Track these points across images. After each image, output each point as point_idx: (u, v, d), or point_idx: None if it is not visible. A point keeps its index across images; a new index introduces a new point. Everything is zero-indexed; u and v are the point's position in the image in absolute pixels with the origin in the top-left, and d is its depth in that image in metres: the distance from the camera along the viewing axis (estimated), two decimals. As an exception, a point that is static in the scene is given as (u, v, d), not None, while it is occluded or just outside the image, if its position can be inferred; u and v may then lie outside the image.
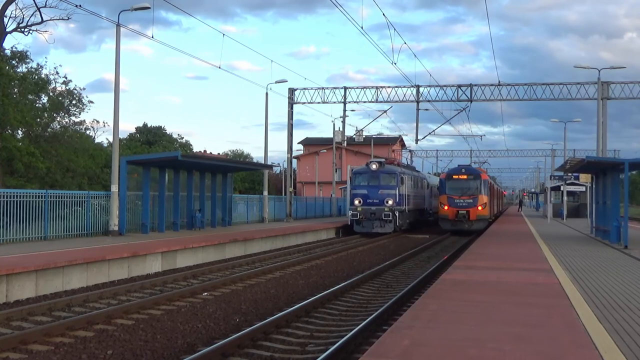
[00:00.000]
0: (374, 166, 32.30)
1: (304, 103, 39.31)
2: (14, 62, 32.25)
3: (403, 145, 79.74)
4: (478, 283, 11.46)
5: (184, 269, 17.26)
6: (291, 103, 39.14)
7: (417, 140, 41.83)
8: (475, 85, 37.44)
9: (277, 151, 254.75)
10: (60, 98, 34.34)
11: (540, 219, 47.11)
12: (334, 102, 39.50)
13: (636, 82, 35.27)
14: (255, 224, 32.81)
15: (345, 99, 39.09)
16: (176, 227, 25.03)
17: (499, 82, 37.09)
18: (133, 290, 13.44)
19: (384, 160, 33.76)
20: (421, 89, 38.15)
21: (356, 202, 31.69)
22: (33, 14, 33.69)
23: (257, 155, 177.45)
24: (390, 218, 31.16)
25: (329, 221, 37.62)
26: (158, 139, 66.08)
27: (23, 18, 33.80)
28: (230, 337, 8.96)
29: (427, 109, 41.28)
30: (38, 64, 38.23)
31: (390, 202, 31.34)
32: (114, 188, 21.88)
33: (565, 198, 44.96)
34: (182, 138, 71.46)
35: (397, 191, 31.92)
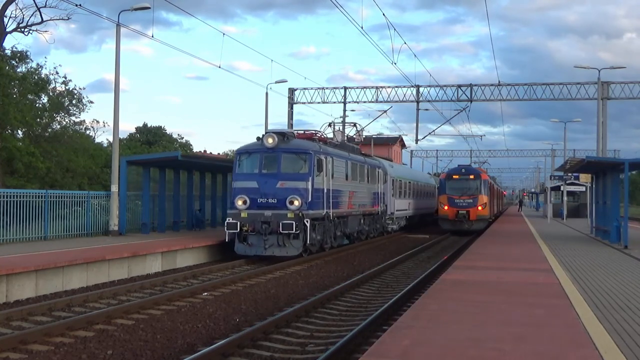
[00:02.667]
0: (270, 140, 19.07)
1: (304, 103, 39.35)
2: (14, 62, 32.24)
3: (403, 145, 79.70)
4: (478, 283, 11.46)
5: (184, 269, 17.25)
6: (291, 103, 39.16)
7: (417, 140, 41.83)
8: (475, 85, 37.45)
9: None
10: (60, 98, 34.33)
11: (540, 219, 47.10)
12: (334, 102, 39.52)
13: (636, 82, 35.28)
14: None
15: (345, 99, 39.11)
16: (176, 227, 25.02)
17: (499, 82, 37.13)
18: (133, 290, 13.44)
19: (289, 132, 21.00)
20: (421, 89, 38.17)
21: (239, 202, 18.73)
22: (33, 14, 33.70)
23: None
24: (296, 231, 18.18)
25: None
26: (158, 139, 66.02)
27: (23, 18, 33.81)
28: (230, 337, 8.97)
29: (427, 109, 41.27)
30: (38, 64, 38.21)
31: (296, 203, 18.46)
32: (114, 188, 21.88)
33: (565, 198, 44.97)
34: (182, 138, 71.37)
35: (309, 183, 19.00)
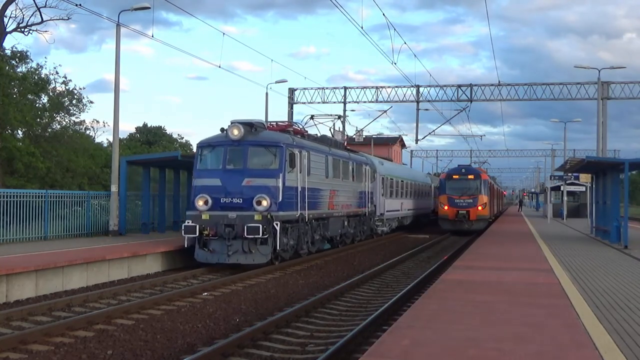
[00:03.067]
0: (235, 132, 16.90)
1: (304, 103, 39.35)
2: (14, 62, 32.23)
3: (403, 145, 79.72)
4: (478, 283, 11.46)
5: (183, 269, 17.25)
6: (291, 103, 39.17)
7: (417, 140, 41.85)
8: (475, 85, 37.47)
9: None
10: (60, 98, 34.32)
11: (540, 219, 47.10)
12: (334, 102, 39.53)
13: (636, 82, 35.30)
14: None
15: (345, 99, 39.12)
16: (176, 227, 25.02)
17: (499, 82, 37.18)
18: (133, 290, 13.44)
19: (258, 122, 18.13)
20: (421, 89, 38.19)
21: (199, 202, 16.60)
22: (33, 14, 33.67)
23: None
24: (263, 235, 15.92)
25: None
26: (158, 139, 66.00)
27: (23, 18, 33.79)
28: (231, 337, 8.97)
29: (427, 109, 41.30)
30: (38, 64, 38.22)
31: (264, 204, 16.25)
32: (114, 188, 21.88)
33: (565, 198, 44.97)
34: (182, 138, 71.37)
35: (280, 181, 16.70)
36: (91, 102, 37.44)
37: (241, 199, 16.50)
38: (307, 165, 18.43)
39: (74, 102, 34.77)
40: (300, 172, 17.77)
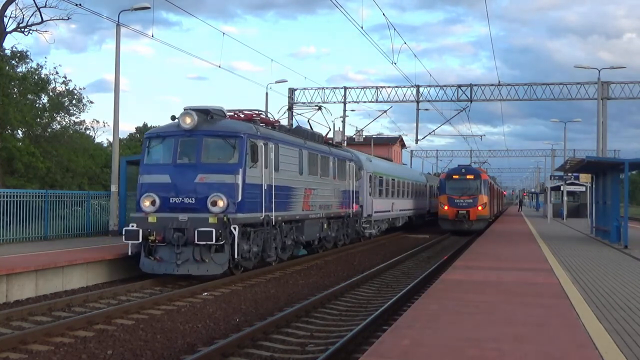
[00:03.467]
0: (188, 120, 14.74)
1: (304, 103, 39.29)
2: (14, 62, 32.25)
3: (403, 145, 79.74)
4: (478, 283, 11.46)
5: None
6: (291, 103, 39.15)
7: (417, 140, 41.81)
8: (475, 85, 37.43)
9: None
10: (60, 98, 34.34)
11: (540, 219, 47.11)
12: (334, 102, 39.50)
13: (636, 82, 35.27)
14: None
15: (345, 99, 39.08)
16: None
17: (499, 82, 37.11)
18: (133, 290, 13.43)
19: (216, 109, 15.72)
20: (421, 89, 38.14)
21: (146, 203, 14.50)
22: (33, 14, 33.61)
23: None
24: (218, 241, 13.79)
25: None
26: (158, 139, 66.03)
27: (23, 18, 33.74)
28: (231, 337, 8.97)
29: (427, 109, 41.26)
30: (38, 64, 38.22)
31: (220, 204, 14.10)
32: (114, 188, 21.88)
33: (565, 198, 45.01)
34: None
35: (239, 177, 14.49)
36: (91, 102, 37.54)
37: (194, 199, 14.31)
38: (275, 159, 16.19)
39: (74, 102, 34.80)
40: (266, 168, 15.56)
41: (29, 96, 32.51)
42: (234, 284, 14.54)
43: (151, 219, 14.26)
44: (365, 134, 52.67)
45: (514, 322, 7.93)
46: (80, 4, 21.28)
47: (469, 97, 37.17)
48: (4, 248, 16.47)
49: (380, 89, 38.94)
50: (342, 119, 40.44)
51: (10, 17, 33.16)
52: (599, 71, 34.40)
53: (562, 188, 43.63)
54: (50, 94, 34.26)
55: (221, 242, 13.81)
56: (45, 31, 37.46)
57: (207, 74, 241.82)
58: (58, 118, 34.57)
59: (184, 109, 15.16)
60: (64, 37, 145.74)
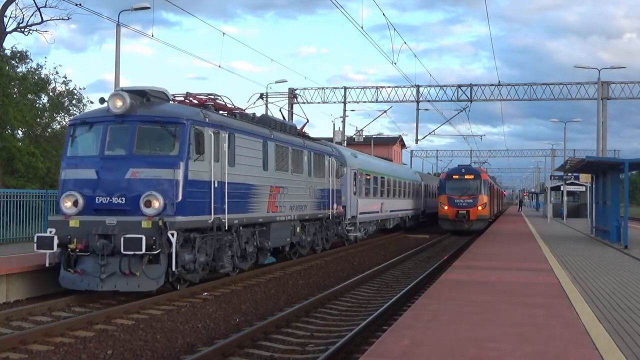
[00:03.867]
0: (119, 103, 12.34)
1: (304, 103, 39.31)
2: (14, 62, 32.26)
3: (403, 145, 79.77)
4: (478, 283, 11.46)
5: None
6: (291, 103, 39.15)
7: (417, 140, 41.86)
8: (475, 85, 37.47)
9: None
10: (60, 98, 34.37)
11: (540, 219, 47.11)
12: (334, 102, 39.53)
13: (636, 82, 35.31)
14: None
15: (345, 99, 39.11)
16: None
17: (499, 82, 37.15)
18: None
19: (155, 90, 13.35)
20: (421, 89, 38.17)
21: (66, 203, 12.29)
22: (33, 14, 33.62)
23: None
24: (151, 250, 11.38)
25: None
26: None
27: (23, 18, 33.75)
28: (231, 337, 8.97)
29: (427, 109, 41.34)
30: (38, 64, 38.28)
31: (155, 205, 11.82)
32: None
33: (565, 198, 45.01)
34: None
35: (180, 172, 12.18)
36: (91, 102, 37.33)
37: (124, 199, 11.88)
38: (231, 152, 13.75)
39: (74, 102, 34.84)
40: (217, 161, 13.13)
41: (29, 96, 32.52)
42: (234, 284, 14.54)
43: (73, 222, 11.91)
44: (365, 134, 52.72)
45: (514, 322, 7.94)
46: (80, 4, 21.32)
47: (469, 97, 37.20)
48: (4, 248, 16.49)
49: (380, 89, 38.97)
50: (342, 119, 40.49)
51: (10, 17, 33.19)
52: (599, 71, 34.44)
53: (562, 188, 43.64)
54: (50, 94, 34.29)
55: (156, 252, 11.40)
56: (45, 31, 37.52)
57: (207, 74, 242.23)
58: (58, 118, 34.63)
59: (115, 90, 13.11)
60: (64, 37, 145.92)
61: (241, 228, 14.58)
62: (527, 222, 40.91)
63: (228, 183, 13.54)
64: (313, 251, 20.40)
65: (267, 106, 29.79)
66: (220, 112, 14.79)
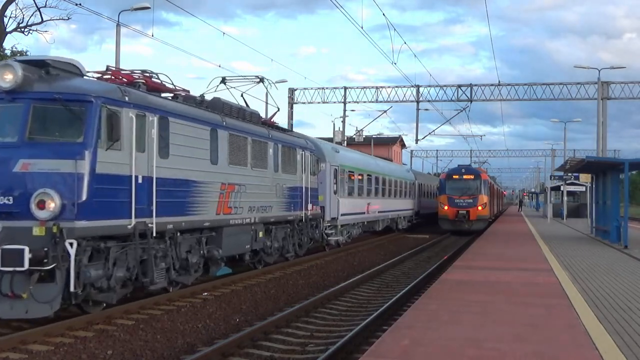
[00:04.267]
0: (8, 77, 9.36)
1: (304, 103, 39.30)
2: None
3: (403, 145, 79.78)
4: (478, 283, 11.47)
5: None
6: (291, 103, 39.13)
7: (417, 140, 41.84)
8: (475, 85, 37.45)
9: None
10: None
11: (540, 219, 47.12)
12: (334, 102, 39.52)
13: (636, 82, 35.30)
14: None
15: (345, 99, 39.10)
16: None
17: (499, 82, 37.14)
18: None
19: (59, 61, 10.16)
20: (421, 89, 38.16)
21: None
22: (33, 14, 33.66)
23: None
24: (42, 265, 8.74)
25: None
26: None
27: (23, 18, 33.79)
28: (231, 337, 8.97)
29: (427, 109, 41.33)
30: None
31: (50, 206, 8.93)
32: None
33: (565, 198, 45.02)
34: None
35: (86, 164, 9.32)
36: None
37: (11, 198, 9.24)
38: (163, 140, 11.11)
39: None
40: (142, 151, 10.52)
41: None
42: (234, 284, 14.54)
43: None
44: (365, 134, 52.75)
45: (514, 322, 7.94)
46: (80, 4, 21.34)
47: (469, 97, 37.18)
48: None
49: (380, 89, 38.96)
50: (342, 119, 40.48)
51: (10, 17, 33.22)
52: (599, 71, 34.46)
53: (562, 188, 43.65)
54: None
55: (48, 267, 8.88)
56: (45, 31, 37.54)
57: (207, 74, 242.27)
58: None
59: (5, 61, 10.68)
60: (64, 37, 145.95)
61: (179, 234, 11.80)
62: (527, 222, 40.91)
63: (157, 178, 10.86)
64: (285, 259, 17.85)
65: (266, 107, 29.72)
66: (159, 93, 11.98)
